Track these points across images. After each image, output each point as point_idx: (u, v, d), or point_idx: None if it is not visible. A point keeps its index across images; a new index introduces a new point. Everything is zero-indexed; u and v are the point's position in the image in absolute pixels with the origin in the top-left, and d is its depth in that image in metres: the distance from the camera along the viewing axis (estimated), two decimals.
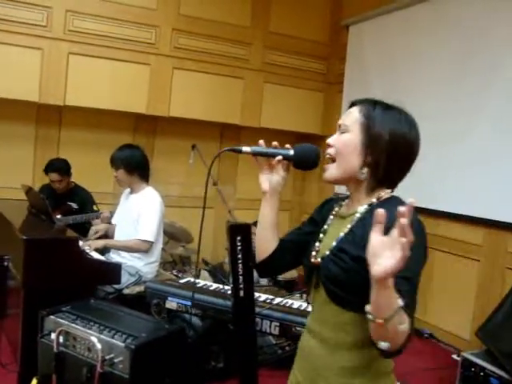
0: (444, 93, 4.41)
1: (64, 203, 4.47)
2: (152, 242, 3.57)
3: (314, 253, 1.44)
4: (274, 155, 1.44)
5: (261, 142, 1.46)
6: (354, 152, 1.37)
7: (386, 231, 1.08)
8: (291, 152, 1.43)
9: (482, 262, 4.15)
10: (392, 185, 1.44)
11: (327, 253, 1.38)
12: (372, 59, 5.31)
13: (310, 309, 2.68)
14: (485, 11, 4.11)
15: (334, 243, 1.38)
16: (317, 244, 1.44)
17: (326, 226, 1.48)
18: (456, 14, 4.36)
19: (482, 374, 3.12)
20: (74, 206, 4.50)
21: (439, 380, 3.63)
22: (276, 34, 5.73)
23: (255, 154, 1.44)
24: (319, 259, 1.40)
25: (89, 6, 4.86)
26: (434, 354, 4.12)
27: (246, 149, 1.42)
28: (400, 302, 1.07)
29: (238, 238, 2.06)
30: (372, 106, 1.40)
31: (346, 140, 1.38)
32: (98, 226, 3.94)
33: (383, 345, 1.11)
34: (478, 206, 4.09)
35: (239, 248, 2.06)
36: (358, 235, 1.32)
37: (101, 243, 3.56)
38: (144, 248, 3.55)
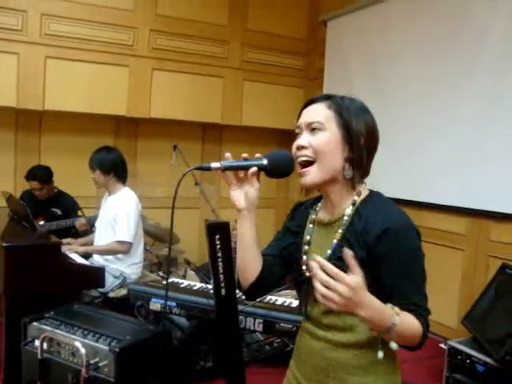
0: (425, 85, 4.42)
1: (47, 209, 4.43)
2: (130, 243, 3.56)
3: (304, 266, 1.39)
4: (246, 168, 1.33)
5: (228, 155, 1.34)
6: (335, 150, 1.31)
7: (379, 238, 1.26)
8: (265, 161, 1.34)
9: (466, 250, 4.19)
10: (367, 175, 1.40)
11: None
12: (351, 53, 5.32)
13: (293, 305, 2.71)
14: (463, 2, 4.13)
15: (329, 251, 1.34)
16: (304, 257, 1.40)
17: (308, 237, 1.43)
18: (434, 5, 4.38)
19: (468, 361, 3.14)
20: (58, 211, 4.47)
21: (428, 369, 3.65)
22: (254, 31, 5.72)
23: (226, 169, 1.32)
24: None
25: (65, 9, 4.81)
26: None
27: (215, 165, 1.29)
28: (395, 320, 1.16)
29: (217, 236, 2.05)
30: (339, 101, 1.35)
31: (326, 138, 1.31)
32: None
33: (392, 345, 1.17)
34: (461, 196, 4.13)
35: (218, 247, 2.05)
36: (353, 241, 1.30)
37: (81, 250, 3.61)
38: (123, 249, 3.56)
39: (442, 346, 3.58)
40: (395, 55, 4.75)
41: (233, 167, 1.33)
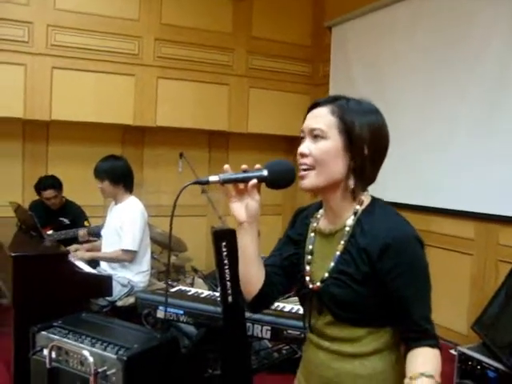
0: (431, 90, 4.41)
1: (56, 219, 4.45)
2: (135, 251, 3.55)
3: (307, 278, 1.37)
4: (246, 180, 1.28)
5: (226, 167, 1.29)
6: (336, 159, 1.28)
7: (381, 254, 1.23)
8: (265, 172, 1.29)
9: (475, 255, 4.16)
10: (372, 183, 1.36)
11: (326, 275, 1.32)
12: (356, 59, 5.32)
13: (301, 311, 2.68)
14: (465, 8, 4.13)
15: (332, 264, 1.31)
16: (307, 268, 1.37)
17: (310, 246, 1.40)
18: (438, 11, 4.38)
19: (478, 367, 3.11)
20: (66, 221, 4.48)
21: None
22: (259, 38, 5.74)
23: (225, 182, 1.28)
24: (318, 283, 1.33)
25: (70, 19, 4.86)
26: None
27: (213, 178, 1.25)
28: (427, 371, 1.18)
29: (223, 243, 2.05)
30: (344, 105, 1.30)
31: (326, 147, 1.28)
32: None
33: None
34: (469, 200, 4.10)
35: (225, 254, 2.05)
36: (355, 254, 1.28)
37: (87, 256, 3.62)
38: (128, 258, 3.55)
39: (452, 351, 3.55)
40: (399, 60, 4.75)
41: (231, 180, 1.29)
